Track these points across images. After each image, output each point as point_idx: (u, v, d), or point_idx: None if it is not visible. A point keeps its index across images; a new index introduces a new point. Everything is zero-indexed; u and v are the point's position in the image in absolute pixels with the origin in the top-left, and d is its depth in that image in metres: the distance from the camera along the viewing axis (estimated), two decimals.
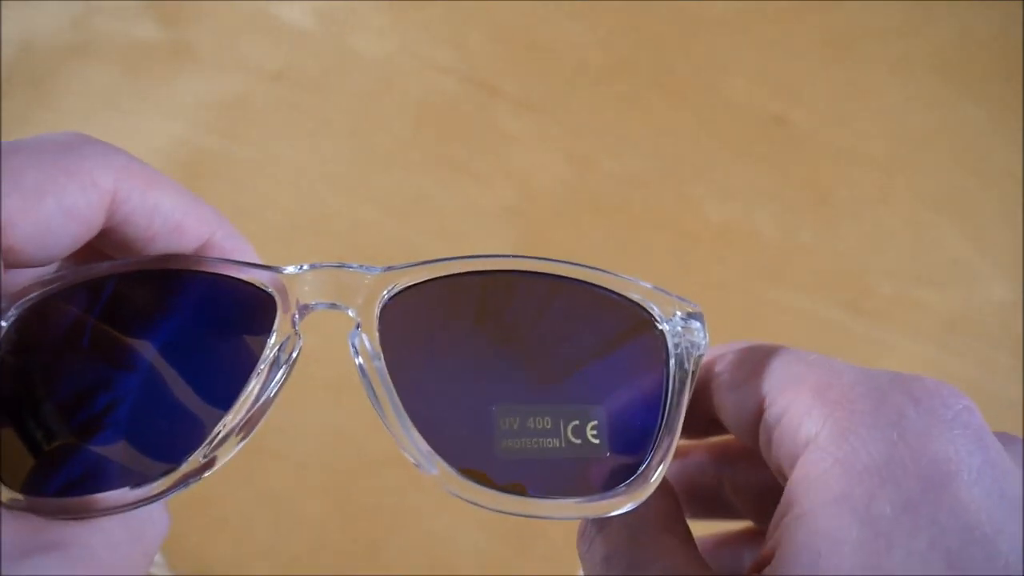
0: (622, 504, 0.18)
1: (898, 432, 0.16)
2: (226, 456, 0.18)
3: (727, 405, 0.20)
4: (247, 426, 0.18)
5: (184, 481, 0.17)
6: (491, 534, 0.38)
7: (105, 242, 0.19)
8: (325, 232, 0.45)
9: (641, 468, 0.19)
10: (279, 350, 0.18)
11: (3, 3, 0.53)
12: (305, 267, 0.19)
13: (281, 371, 0.18)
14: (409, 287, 0.19)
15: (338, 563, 0.38)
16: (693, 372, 0.20)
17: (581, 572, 0.21)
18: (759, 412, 0.19)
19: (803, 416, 0.18)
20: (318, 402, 0.41)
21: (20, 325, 0.18)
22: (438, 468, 0.18)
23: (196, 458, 0.18)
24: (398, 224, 0.45)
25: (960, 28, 0.53)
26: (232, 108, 0.49)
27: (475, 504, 0.18)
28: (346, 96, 0.49)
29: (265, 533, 0.39)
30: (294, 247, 0.45)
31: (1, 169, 0.17)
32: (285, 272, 0.19)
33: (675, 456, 0.19)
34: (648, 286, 0.20)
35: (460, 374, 0.19)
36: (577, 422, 0.19)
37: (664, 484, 0.19)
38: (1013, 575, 0.15)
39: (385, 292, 0.19)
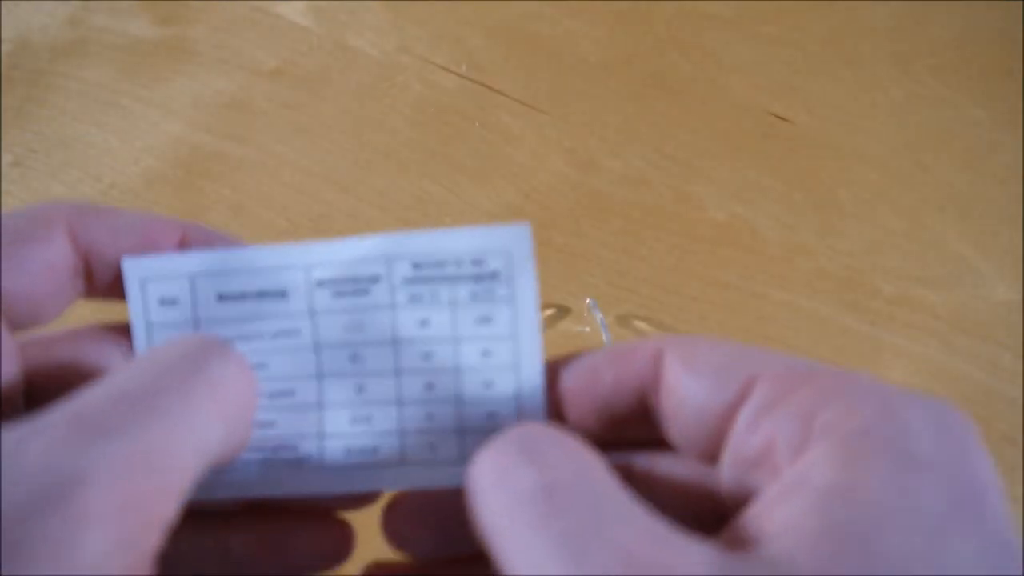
0: None
1: None
2: None
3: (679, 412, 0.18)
4: None
5: None
6: None
7: (91, 289, 0.20)
8: (324, 232, 0.45)
9: None
10: None
11: (1, 1, 0.53)
12: None
13: None
14: None
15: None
16: None
17: None
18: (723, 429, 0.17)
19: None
20: None
21: None
22: None
23: None
24: (398, 224, 0.45)
25: (960, 28, 0.53)
26: (230, 107, 0.49)
27: None
28: (345, 95, 0.49)
29: None
30: None
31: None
32: None
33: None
34: None
35: None
36: None
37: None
38: None
39: None
